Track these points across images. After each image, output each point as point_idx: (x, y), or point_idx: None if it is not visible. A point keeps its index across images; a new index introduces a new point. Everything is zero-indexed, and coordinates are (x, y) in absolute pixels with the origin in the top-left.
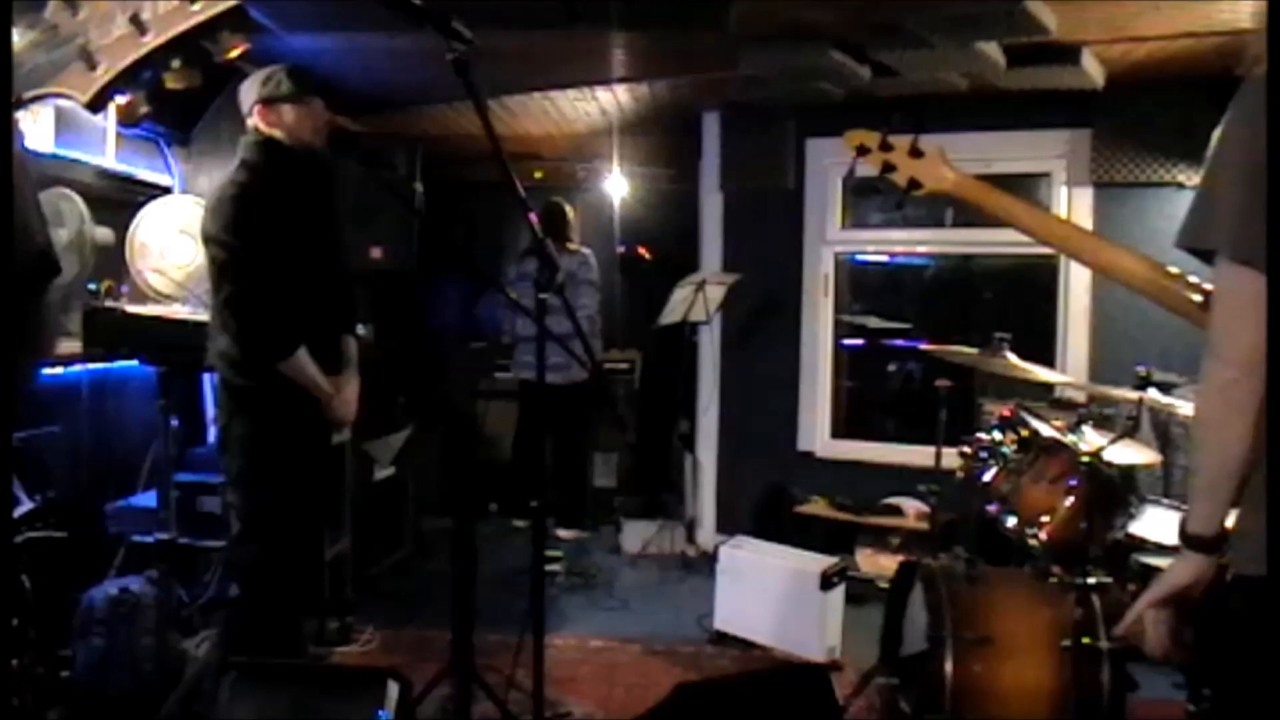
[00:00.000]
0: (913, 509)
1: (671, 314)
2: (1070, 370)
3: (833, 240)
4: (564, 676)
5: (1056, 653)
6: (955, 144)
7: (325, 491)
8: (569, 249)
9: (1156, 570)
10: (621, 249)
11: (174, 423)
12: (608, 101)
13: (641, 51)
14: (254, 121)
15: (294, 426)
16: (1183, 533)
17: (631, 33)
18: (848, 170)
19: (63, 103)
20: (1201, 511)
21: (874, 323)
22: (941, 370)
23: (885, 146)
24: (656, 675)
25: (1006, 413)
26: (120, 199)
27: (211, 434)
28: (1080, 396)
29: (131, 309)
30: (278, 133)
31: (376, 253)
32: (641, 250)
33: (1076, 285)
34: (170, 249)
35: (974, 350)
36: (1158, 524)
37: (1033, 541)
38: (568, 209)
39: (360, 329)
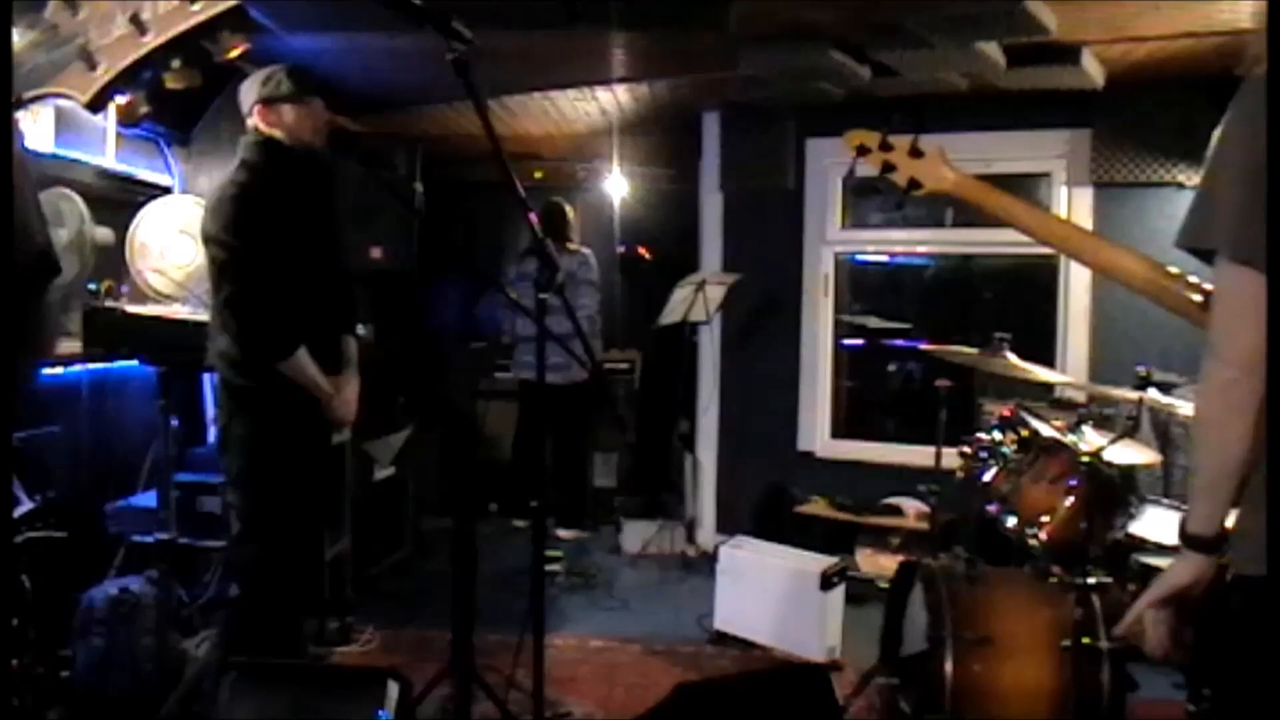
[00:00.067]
0: (913, 509)
1: (671, 314)
2: (1070, 370)
3: (833, 240)
4: (564, 676)
5: (1056, 653)
6: (955, 144)
7: (325, 491)
8: (569, 249)
9: (1156, 570)
10: (621, 249)
11: (174, 423)
12: (608, 101)
13: (641, 51)
14: (254, 121)
15: (294, 426)
16: (1182, 533)
17: (631, 33)
18: (848, 170)
19: (62, 103)
20: (1201, 511)
21: (874, 323)
22: (941, 370)
23: (885, 147)
24: (656, 675)
25: (1006, 413)
26: (120, 199)
27: (211, 434)
28: (1080, 396)
29: (131, 309)
30: (278, 133)
31: (376, 253)
32: (641, 250)
33: (1076, 285)
34: (170, 249)
35: (974, 350)
36: (1158, 524)
37: (1033, 541)
38: (568, 209)
39: (360, 329)
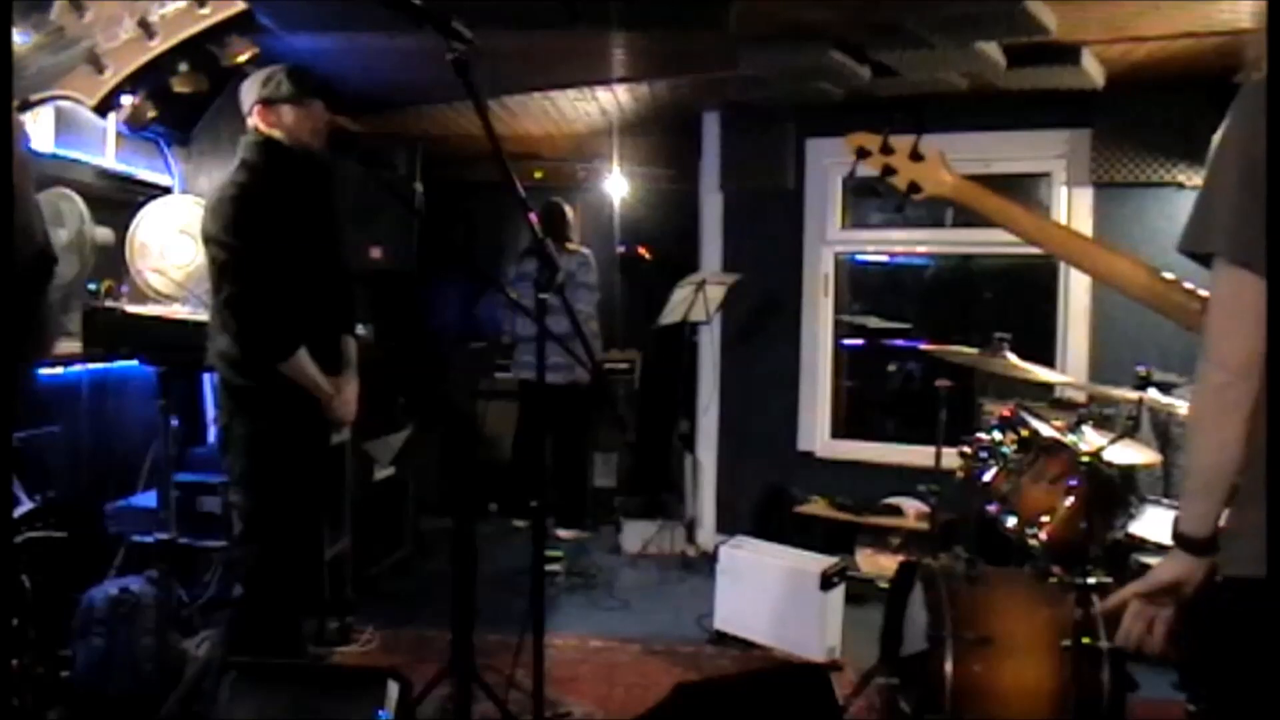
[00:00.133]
0: (913, 509)
1: (671, 314)
2: (1070, 370)
3: (833, 240)
4: (564, 676)
5: (1056, 653)
6: (955, 144)
7: (325, 491)
8: (568, 249)
9: None
10: (621, 249)
11: (174, 423)
12: (608, 101)
13: (641, 51)
14: (254, 121)
15: (294, 427)
16: (1174, 532)
17: (631, 33)
18: (849, 172)
19: (63, 103)
20: (1193, 512)
21: (874, 323)
22: (941, 370)
23: (886, 149)
24: (656, 675)
25: (1006, 413)
26: (120, 199)
27: (211, 434)
28: (1080, 396)
29: (131, 309)
30: (277, 133)
31: (376, 253)
32: (641, 250)
33: (1076, 285)
34: (170, 249)
35: (974, 350)
36: (1158, 524)
37: (1033, 541)
38: (567, 209)
39: (360, 329)
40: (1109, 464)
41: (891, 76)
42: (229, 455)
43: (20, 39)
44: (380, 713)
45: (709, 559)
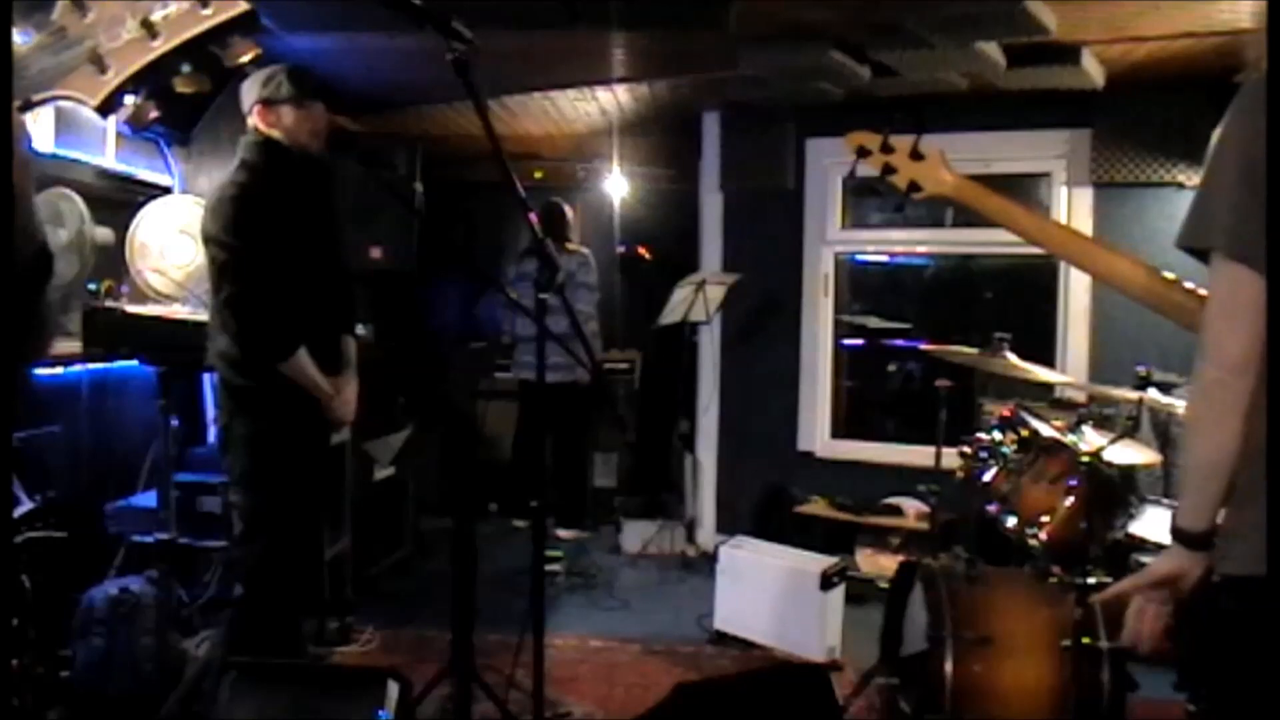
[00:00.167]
0: (913, 509)
1: (671, 314)
2: (1070, 370)
3: (833, 240)
4: (564, 676)
5: (1056, 653)
6: (955, 144)
7: (325, 491)
8: (568, 249)
9: None
10: (621, 249)
11: (174, 423)
12: (608, 101)
13: (641, 51)
14: (254, 122)
15: (294, 427)
16: (1172, 526)
17: (631, 33)
18: (849, 171)
19: (63, 103)
20: (1190, 507)
21: (874, 323)
22: (941, 370)
23: (886, 149)
24: (656, 675)
25: (1006, 413)
26: (120, 199)
27: (211, 434)
28: (1080, 396)
29: (131, 309)
30: (277, 133)
31: (376, 253)
32: (641, 250)
33: (1076, 285)
34: (170, 249)
35: (974, 350)
36: (1158, 524)
37: (1033, 541)
38: (567, 209)
39: (360, 329)
40: (1109, 464)
41: (891, 76)
42: (229, 455)
43: (21, 39)
44: (380, 713)
45: (709, 559)
